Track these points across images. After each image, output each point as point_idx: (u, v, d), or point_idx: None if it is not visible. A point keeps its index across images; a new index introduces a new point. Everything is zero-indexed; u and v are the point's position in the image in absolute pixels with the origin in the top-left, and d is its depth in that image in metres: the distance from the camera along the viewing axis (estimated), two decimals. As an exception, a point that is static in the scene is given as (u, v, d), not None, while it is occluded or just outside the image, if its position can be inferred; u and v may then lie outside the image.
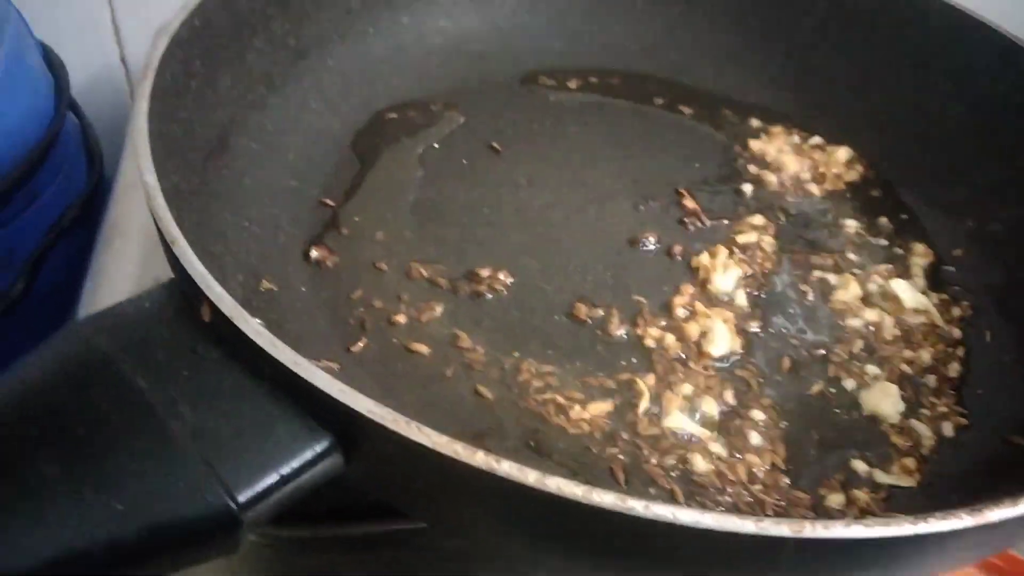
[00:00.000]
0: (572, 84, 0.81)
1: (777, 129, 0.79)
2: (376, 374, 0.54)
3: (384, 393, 0.53)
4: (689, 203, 0.69)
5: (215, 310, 0.39)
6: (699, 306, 0.60)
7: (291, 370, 0.36)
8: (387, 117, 0.74)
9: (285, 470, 0.36)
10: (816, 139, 0.78)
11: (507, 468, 0.33)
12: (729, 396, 0.56)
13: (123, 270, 0.75)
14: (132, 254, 0.76)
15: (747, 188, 0.72)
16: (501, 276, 0.61)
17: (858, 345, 0.61)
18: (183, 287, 0.42)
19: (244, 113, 0.65)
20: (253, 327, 0.38)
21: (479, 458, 0.34)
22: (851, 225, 0.70)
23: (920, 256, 0.69)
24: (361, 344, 0.56)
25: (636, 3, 0.86)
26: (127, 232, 0.78)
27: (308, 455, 0.37)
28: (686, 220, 0.68)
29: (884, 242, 0.70)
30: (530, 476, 0.33)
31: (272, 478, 0.36)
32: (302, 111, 0.70)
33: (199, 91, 0.59)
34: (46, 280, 0.84)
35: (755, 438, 0.53)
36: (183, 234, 0.42)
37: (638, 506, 0.33)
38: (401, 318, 0.58)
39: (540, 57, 0.83)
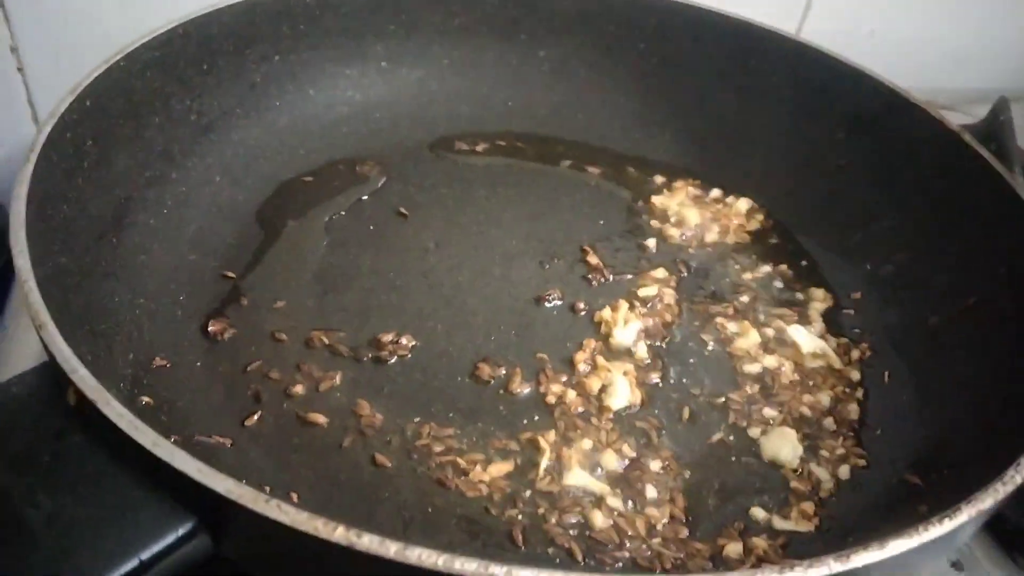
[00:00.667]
0: (480, 148, 0.82)
1: (679, 184, 0.81)
2: (271, 448, 0.54)
3: (278, 468, 0.53)
4: (593, 259, 0.71)
5: (78, 392, 0.38)
6: (600, 360, 0.61)
7: (150, 452, 0.36)
8: (293, 187, 0.75)
9: (145, 555, 0.35)
10: (716, 192, 0.80)
11: (367, 542, 0.33)
12: (629, 449, 0.56)
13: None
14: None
15: (650, 242, 0.74)
16: (404, 340, 0.61)
17: (756, 391, 0.62)
18: (53, 370, 0.42)
19: (142, 190, 0.65)
20: (115, 409, 0.37)
21: (339, 533, 0.33)
22: (752, 273, 0.72)
23: (819, 301, 0.71)
24: (256, 417, 0.55)
25: (543, 68, 0.88)
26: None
27: (171, 538, 0.36)
28: (590, 276, 0.69)
29: (784, 288, 0.72)
30: (391, 548, 0.33)
31: (131, 563, 0.35)
32: (204, 185, 0.70)
33: (92, 171, 0.59)
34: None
35: (654, 491, 0.54)
36: (54, 317, 0.42)
37: (499, 571, 0.33)
38: (299, 388, 0.57)
39: (449, 123, 0.85)
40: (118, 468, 0.38)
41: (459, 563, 0.33)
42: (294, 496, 0.50)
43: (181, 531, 0.36)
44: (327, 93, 0.81)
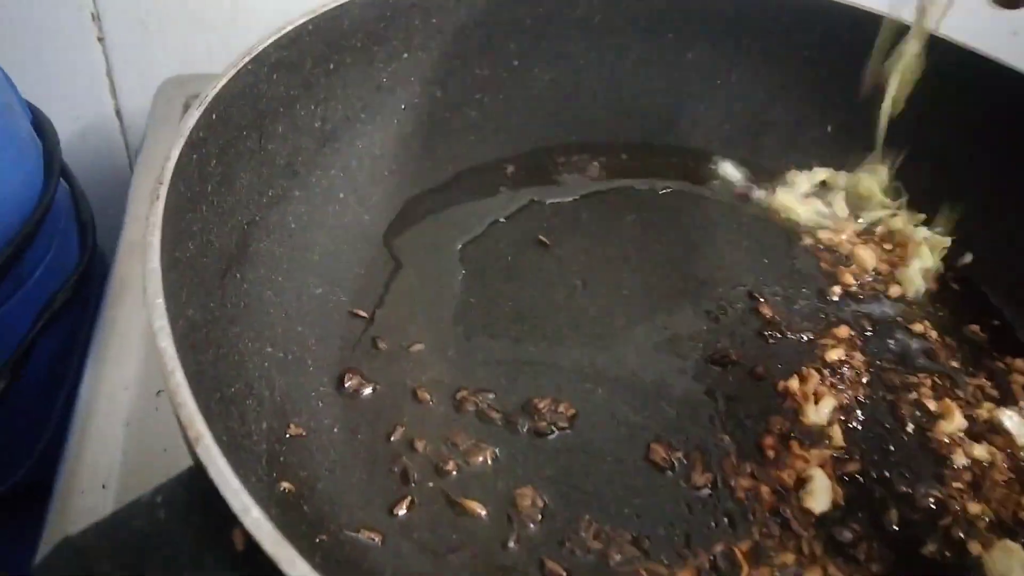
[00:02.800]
0: (623, 162, 0.73)
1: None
2: (425, 545, 0.46)
3: (436, 571, 0.45)
4: (766, 311, 0.61)
5: (250, 539, 0.30)
6: (794, 447, 0.52)
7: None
8: (420, 204, 0.66)
9: None
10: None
11: None
12: (836, 570, 0.47)
13: (126, 370, 0.66)
14: (133, 340, 0.66)
15: (835, 290, 0.64)
16: (562, 409, 0.53)
17: (966, 488, 0.53)
18: (204, 487, 0.34)
19: (265, 211, 0.56)
20: (301, 573, 0.29)
21: None
22: (939, 333, 0.63)
23: (1022, 373, 0.61)
24: (406, 505, 0.47)
25: (691, 74, 0.78)
26: (128, 316, 0.69)
27: None
28: (766, 333, 0.60)
29: (979, 352, 0.62)
30: None
31: None
32: (328, 202, 0.62)
33: (215, 195, 0.51)
34: (33, 371, 0.75)
35: (870, 624, 0.45)
36: (210, 426, 0.34)
37: None
38: (450, 466, 0.50)
39: (586, 130, 0.76)
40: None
41: None
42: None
43: None
44: (454, 95, 0.72)
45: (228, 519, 0.32)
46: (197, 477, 0.35)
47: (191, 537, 0.33)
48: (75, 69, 0.95)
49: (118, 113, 1.00)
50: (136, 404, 0.56)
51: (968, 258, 0.69)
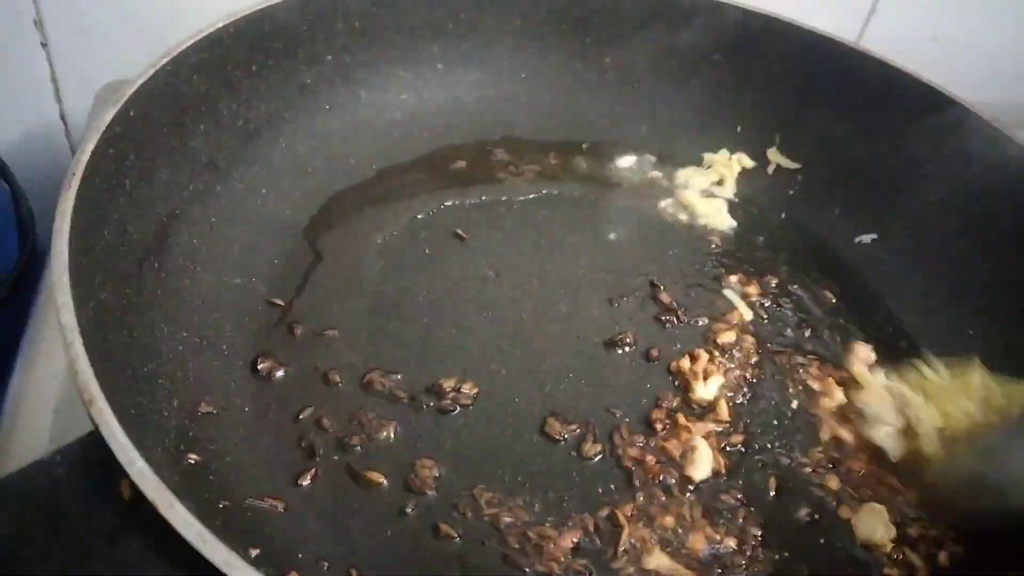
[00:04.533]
0: (539, 159, 0.77)
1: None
2: (326, 513, 0.49)
3: (335, 537, 0.48)
4: (665, 297, 0.65)
5: (135, 488, 0.33)
6: (681, 419, 0.56)
7: (222, 572, 0.31)
8: (343, 200, 0.69)
9: None
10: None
11: None
12: (714, 531, 0.51)
13: (56, 363, 0.69)
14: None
15: (732, 280, 0.68)
16: (466, 388, 0.57)
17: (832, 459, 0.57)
18: (101, 449, 0.37)
19: (185, 205, 0.59)
20: (180, 515, 0.32)
21: None
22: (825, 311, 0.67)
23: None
24: (310, 475, 0.50)
25: (607, 76, 0.82)
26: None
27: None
28: (663, 318, 0.64)
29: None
30: None
31: None
32: (250, 197, 0.65)
33: (134, 189, 0.54)
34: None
35: (743, 579, 0.49)
36: (102, 383, 0.37)
37: None
38: (355, 441, 0.53)
39: (507, 130, 0.79)
40: (181, 583, 0.33)
41: None
42: (354, 573, 0.46)
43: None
44: (379, 96, 0.75)
45: (117, 472, 0.35)
46: (94, 439, 0.38)
47: (85, 489, 0.35)
48: (19, 74, 0.97)
49: (63, 117, 1.02)
50: (64, 392, 0.59)
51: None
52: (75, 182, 0.46)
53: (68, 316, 0.39)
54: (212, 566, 0.31)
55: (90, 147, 0.49)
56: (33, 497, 0.35)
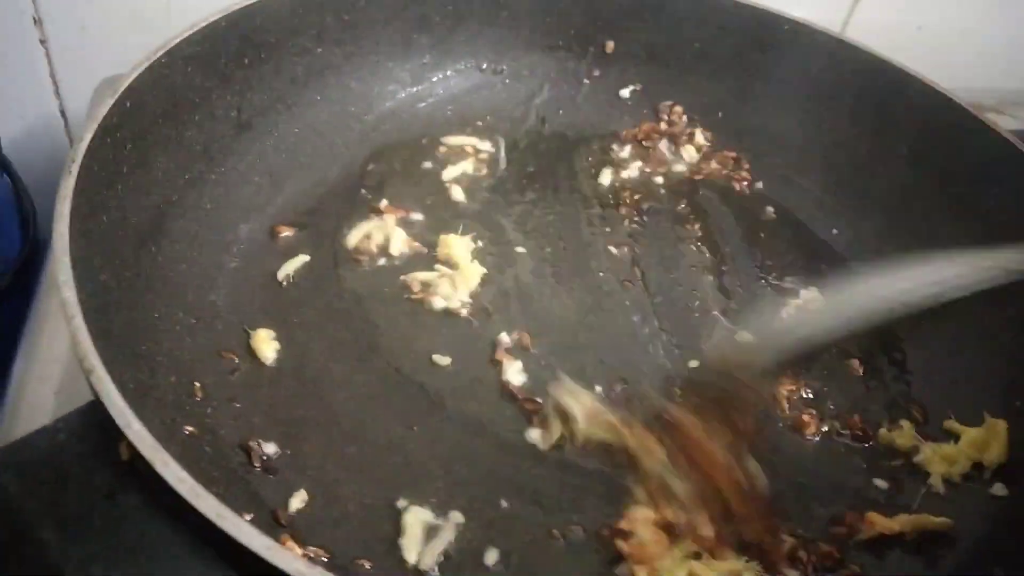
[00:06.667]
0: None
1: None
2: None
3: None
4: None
5: (132, 449, 0.36)
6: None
7: (214, 524, 0.33)
8: (334, 189, 0.72)
9: (207, 633, 0.33)
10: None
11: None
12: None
13: (58, 347, 0.71)
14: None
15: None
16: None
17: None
18: (100, 416, 0.39)
19: (181, 193, 0.62)
20: (174, 472, 0.35)
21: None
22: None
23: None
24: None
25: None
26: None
27: (233, 616, 0.34)
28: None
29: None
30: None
31: (193, 644, 0.33)
32: (244, 185, 0.67)
33: (131, 176, 0.56)
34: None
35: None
36: (102, 356, 0.39)
37: None
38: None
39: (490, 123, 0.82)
40: (176, 535, 0.35)
41: None
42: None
43: (245, 608, 0.34)
44: (369, 87, 0.77)
45: (115, 435, 0.37)
46: (94, 407, 0.40)
47: (86, 452, 0.38)
48: (19, 72, 0.99)
49: (63, 113, 1.04)
50: (67, 375, 0.61)
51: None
52: (75, 168, 0.49)
53: (69, 293, 0.42)
54: (205, 519, 0.34)
55: (89, 136, 0.52)
56: (37, 459, 0.38)
